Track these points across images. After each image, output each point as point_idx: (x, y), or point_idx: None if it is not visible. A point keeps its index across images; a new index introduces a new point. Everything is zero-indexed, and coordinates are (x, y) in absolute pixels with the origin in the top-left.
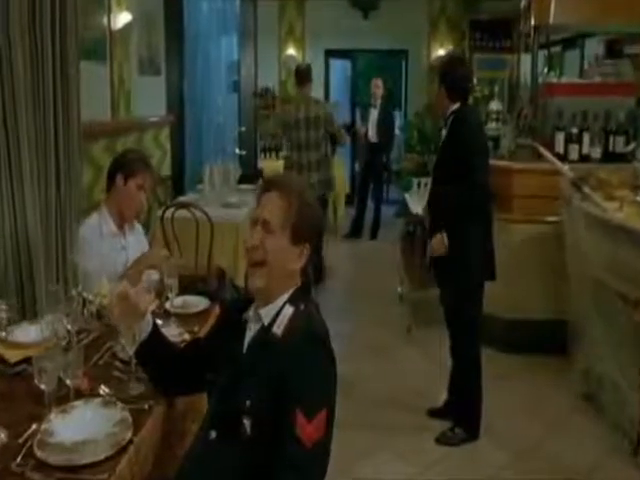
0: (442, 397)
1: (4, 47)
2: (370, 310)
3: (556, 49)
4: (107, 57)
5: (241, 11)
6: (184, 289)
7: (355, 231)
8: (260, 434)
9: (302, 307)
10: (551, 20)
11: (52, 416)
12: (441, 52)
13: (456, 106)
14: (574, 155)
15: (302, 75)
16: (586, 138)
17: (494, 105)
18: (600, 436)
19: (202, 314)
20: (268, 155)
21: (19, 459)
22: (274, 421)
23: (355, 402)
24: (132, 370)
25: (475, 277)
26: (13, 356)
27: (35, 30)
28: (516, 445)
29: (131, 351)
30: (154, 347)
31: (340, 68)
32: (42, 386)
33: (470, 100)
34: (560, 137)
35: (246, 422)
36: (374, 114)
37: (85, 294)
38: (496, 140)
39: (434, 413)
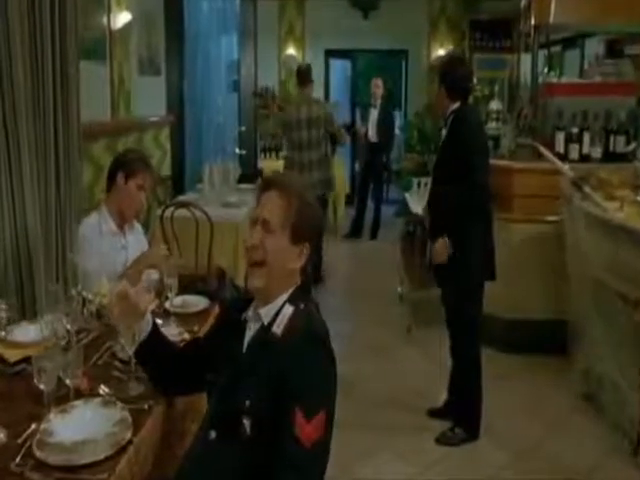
0: (442, 397)
1: (4, 47)
2: (370, 310)
3: (556, 49)
4: (107, 57)
5: (241, 11)
6: (184, 289)
7: (355, 231)
8: (260, 434)
9: (302, 306)
10: (551, 20)
11: (51, 416)
12: (441, 52)
13: (456, 106)
14: (574, 155)
15: (303, 75)
16: (586, 138)
17: (494, 105)
18: (600, 436)
19: (202, 314)
20: (268, 155)
21: (18, 459)
22: (274, 421)
23: (355, 402)
24: (132, 370)
25: (475, 277)
26: (12, 356)
27: (35, 30)
28: (516, 445)
29: (131, 351)
30: (154, 347)
31: (340, 68)
32: (41, 386)
33: (470, 100)
34: (560, 137)
35: (246, 422)
36: (374, 114)
37: (85, 294)
38: (496, 140)
39: (434, 413)
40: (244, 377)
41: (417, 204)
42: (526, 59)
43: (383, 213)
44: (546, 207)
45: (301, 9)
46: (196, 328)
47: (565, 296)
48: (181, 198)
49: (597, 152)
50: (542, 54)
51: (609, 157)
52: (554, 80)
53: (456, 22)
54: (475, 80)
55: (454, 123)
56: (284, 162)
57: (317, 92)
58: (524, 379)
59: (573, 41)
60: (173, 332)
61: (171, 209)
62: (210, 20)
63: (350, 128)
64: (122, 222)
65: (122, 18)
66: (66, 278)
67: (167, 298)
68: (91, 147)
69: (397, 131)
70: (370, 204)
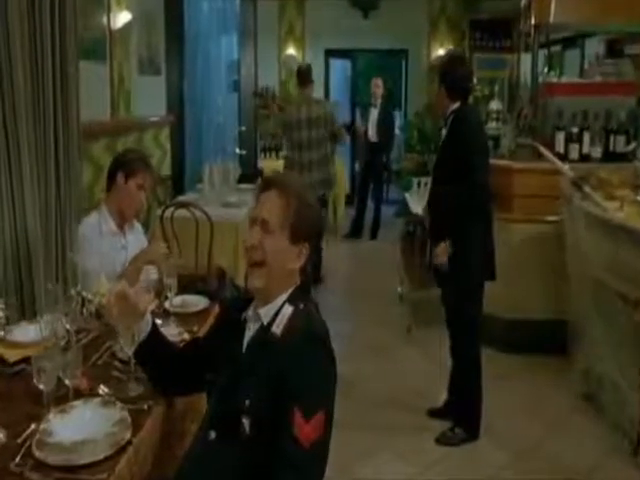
0: (442, 397)
1: (3, 47)
2: (370, 310)
3: (556, 48)
4: (107, 57)
5: (241, 11)
6: (183, 288)
7: (355, 231)
8: (259, 434)
9: (301, 306)
10: (551, 19)
11: (51, 416)
12: (441, 52)
13: (456, 105)
14: (574, 154)
15: (304, 76)
16: (586, 137)
17: (494, 105)
18: (600, 436)
19: (201, 313)
20: (268, 155)
21: (18, 459)
22: (273, 421)
23: (355, 402)
24: (131, 370)
25: (475, 277)
26: (12, 356)
27: (34, 30)
28: (516, 445)
29: (130, 351)
30: (153, 347)
31: (340, 68)
32: (41, 386)
33: (470, 100)
34: (560, 136)
35: (245, 422)
36: (374, 114)
37: (84, 293)
38: (496, 139)
39: (434, 413)
40: (244, 377)
41: (417, 204)
42: (526, 59)
43: (383, 213)
44: (546, 207)
45: (301, 9)
46: (196, 328)
47: (565, 296)
48: (181, 198)
49: (597, 152)
50: (542, 54)
51: (609, 157)
52: (554, 80)
53: (456, 22)
54: (475, 80)
55: (454, 123)
56: (284, 162)
57: (317, 92)
58: (524, 379)
59: (573, 41)
60: (173, 332)
61: (171, 209)
62: (210, 20)
63: (350, 128)
64: (122, 222)
65: (122, 18)
66: (66, 278)
67: (167, 298)
68: (91, 147)
69: (397, 131)
70: (370, 204)
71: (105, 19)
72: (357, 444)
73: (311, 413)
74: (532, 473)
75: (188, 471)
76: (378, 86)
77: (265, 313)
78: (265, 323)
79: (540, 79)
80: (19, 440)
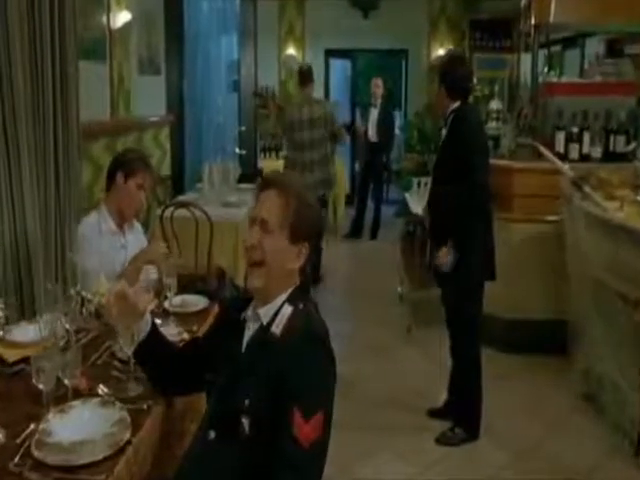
0: (442, 397)
1: (3, 46)
2: (370, 310)
3: (556, 48)
4: (107, 56)
5: (241, 10)
6: (183, 288)
7: (355, 231)
8: (259, 434)
9: (301, 306)
10: (551, 19)
11: (50, 416)
12: (441, 52)
13: (456, 105)
14: (574, 154)
15: (304, 76)
16: (586, 137)
17: (494, 104)
18: (600, 436)
19: (201, 313)
20: (268, 155)
21: (17, 459)
22: (272, 421)
23: (355, 402)
24: (131, 370)
25: (475, 276)
26: (11, 356)
27: (34, 30)
28: (516, 445)
29: (129, 351)
30: (153, 347)
31: (340, 68)
32: (40, 386)
33: (470, 99)
34: (560, 136)
35: (245, 421)
36: (374, 114)
37: (84, 293)
38: (496, 139)
39: (434, 413)
40: (243, 377)
41: (417, 204)
42: (526, 59)
43: (383, 213)
44: (546, 207)
45: (301, 9)
46: (195, 328)
47: (565, 296)
48: (181, 198)
49: (597, 152)
50: (542, 54)
51: (609, 157)
52: (554, 80)
53: (456, 22)
54: (475, 80)
55: (454, 123)
56: (284, 162)
57: (317, 92)
58: (524, 379)
59: (573, 41)
60: (172, 332)
61: (171, 209)
62: (210, 20)
63: (350, 128)
64: (122, 221)
65: (122, 18)
66: (65, 278)
67: (166, 298)
68: (91, 147)
69: (397, 131)
70: (370, 204)
71: (105, 19)
72: (357, 444)
73: (310, 413)
74: (532, 473)
75: (188, 471)
76: (378, 86)
77: (265, 313)
78: (264, 323)
79: (540, 79)
80: (18, 440)
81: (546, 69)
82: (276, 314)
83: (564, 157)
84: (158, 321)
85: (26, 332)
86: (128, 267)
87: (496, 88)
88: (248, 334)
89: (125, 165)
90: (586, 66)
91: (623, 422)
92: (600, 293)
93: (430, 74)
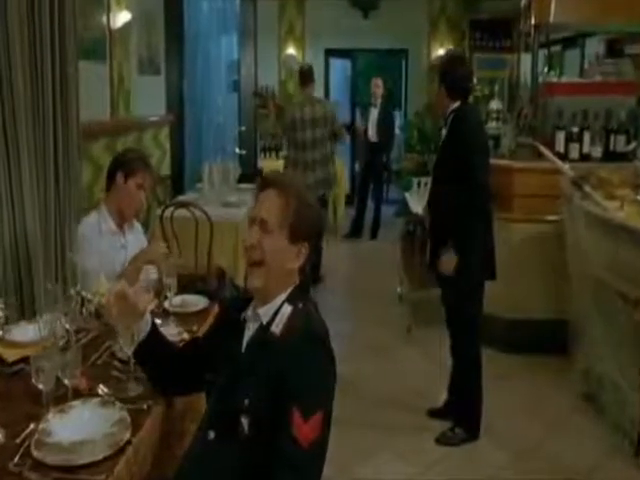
0: (442, 397)
1: (3, 47)
2: (370, 310)
3: (556, 48)
4: (107, 56)
5: (241, 10)
6: (183, 288)
7: (355, 231)
8: (258, 433)
9: (300, 306)
10: (551, 19)
11: (50, 416)
12: (441, 52)
13: (456, 105)
14: (575, 154)
15: (305, 75)
16: (587, 137)
17: (494, 104)
18: (600, 436)
19: (201, 313)
20: (268, 155)
21: (16, 459)
22: (272, 420)
23: (355, 402)
24: (131, 370)
25: (475, 276)
26: (11, 355)
27: (34, 30)
28: (516, 445)
29: (129, 351)
30: (153, 347)
31: (340, 68)
32: (40, 386)
33: (470, 99)
34: (560, 136)
35: (244, 421)
36: (374, 113)
37: (84, 293)
38: (496, 139)
39: (434, 413)
40: (243, 377)
41: (417, 204)
42: (526, 59)
43: (383, 213)
44: (546, 206)
45: (301, 9)
46: (195, 328)
47: (565, 296)
48: (181, 198)
49: (597, 151)
50: (542, 54)
51: (609, 156)
52: (554, 80)
53: (456, 22)
54: (475, 80)
55: (454, 122)
56: (284, 162)
57: (317, 92)
58: (524, 379)
59: (573, 41)
60: (172, 332)
61: (171, 209)
62: (210, 20)
63: (350, 128)
64: (121, 221)
65: (122, 18)
66: (65, 277)
67: (166, 298)
68: (90, 146)
69: (397, 131)
70: (370, 204)
71: (105, 19)
72: (357, 444)
73: (310, 413)
74: (532, 473)
75: (188, 471)
76: (378, 86)
77: (264, 313)
78: (264, 322)
79: (540, 79)
80: (18, 440)
81: (546, 69)
82: (276, 314)
83: (564, 157)
84: (158, 321)
85: (26, 332)
86: (128, 267)
87: (496, 88)
88: (248, 334)
89: (125, 165)
90: (586, 66)
91: (623, 422)
92: (600, 293)
93: (430, 74)
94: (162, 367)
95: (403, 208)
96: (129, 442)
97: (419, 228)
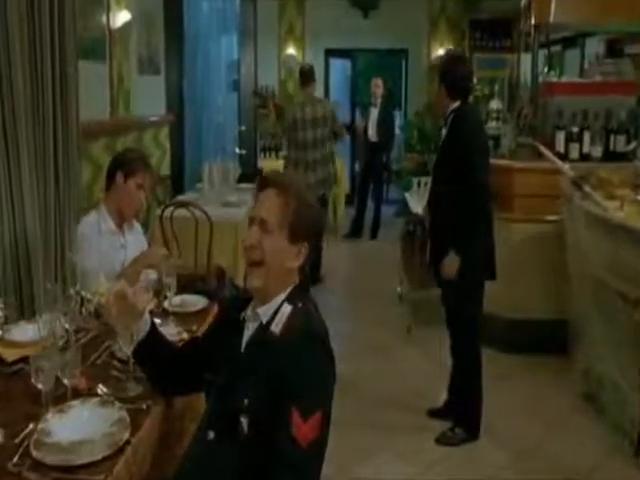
0: (442, 397)
1: (3, 47)
2: (370, 310)
3: (556, 48)
4: (106, 56)
5: (241, 10)
6: (183, 288)
7: (355, 231)
8: (257, 433)
9: (300, 305)
10: (551, 19)
11: (49, 416)
12: (441, 52)
13: (456, 105)
14: (575, 154)
15: (306, 75)
16: (587, 137)
17: (494, 104)
18: (600, 436)
19: (200, 313)
20: (268, 154)
21: (16, 459)
22: (271, 420)
23: (355, 402)
24: (130, 370)
25: (475, 276)
26: (10, 355)
27: (34, 30)
28: (516, 445)
29: (129, 351)
30: (152, 346)
31: (340, 67)
32: (39, 385)
33: (470, 99)
34: (561, 136)
35: (244, 421)
36: (374, 113)
37: (83, 293)
38: (496, 139)
39: (434, 413)
40: (242, 376)
41: (417, 204)
42: (526, 59)
43: (383, 213)
44: (546, 206)
45: (301, 9)
46: (195, 327)
47: (565, 296)
48: (180, 198)
49: (597, 151)
50: (542, 53)
51: (609, 156)
52: (554, 79)
53: (456, 21)
54: (475, 80)
55: (454, 122)
56: (285, 161)
57: (317, 92)
58: (524, 379)
59: (573, 40)
60: (172, 332)
61: (170, 209)
62: (210, 20)
63: (350, 127)
64: (121, 221)
65: (121, 17)
66: (65, 277)
67: (166, 297)
68: (90, 146)
69: (397, 131)
70: (370, 204)
71: (105, 19)
72: (357, 444)
73: (309, 413)
74: (532, 473)
75: (187, 471)
76: (378, 86)
77: (264, 312)
78: (264, 322)
79: (540, 79)
80: (17, 440)
81: (546, 69)
82: (275, 313)
83: (564, 157)
84: (157, 321)
85: (25, 332)
86: (128, 269)
87: (496, 88)
88: (247, 334)
89: (125, 165)
90: (586, 66)
91: (623, 422)
92: (600, 293)
93: (430, 74)
94: (161, 367)
95: (403, 208)
96: (128, 442)
97: (419, 228)
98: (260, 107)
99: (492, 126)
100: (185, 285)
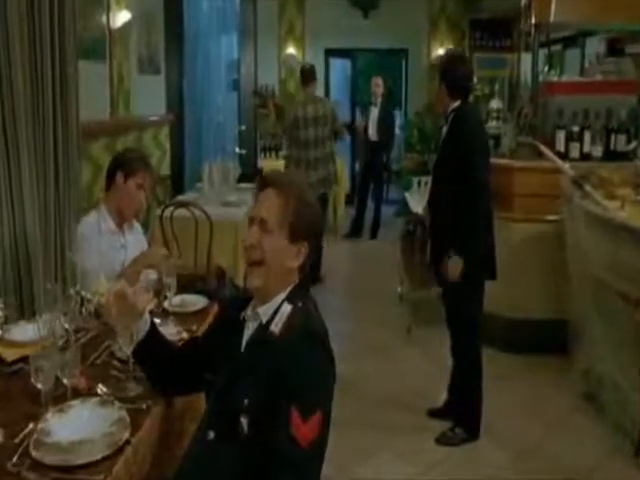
0: (442, 397)
1: (3, 47)
2: (370, 310)
3: (556, 48)
4: (106, 56)
5: (241, 10)
6: (183, 288)
7: (355, 231)
8: (257, 433)
9: (300, 305)
10: (552, 18)
11: (49, 415)
12: (441, 51)
13: (456, 104)
14: (575, 153)
15: (307, 75)
16: (587, 136)
17: (495, 104)
18: (600, 436)
19: (200, 313)
20: (268, 154)
21: (15, 459)
22: (271, 420)
23: (355, 402)
24: (130, 369)
25: (475, 276)
26: (10, 355)
27: (34, 30)
28: (516, 445)
29: (128, 351)
30: (152, 346)
31: (340, 67)
32: (39, 385)
33: (471, 99)
34: (561, 135)
35: (243, 421)
36: (374, 113)
37: (83, 293)
38: (497, 138)
39: (434, 413)
40: (242, 376)
41: (417, 203)
42: (526, 58)
43: (383, 213)
44: (546, 206)
45: (301, 8)
46: (195, 327)
47: (566, 295)
48: (180, 197)
49: (598, 151)
50: (542, 53)
51: (610, 156)
52: (554, 79)
53: (456, 21)
54: (475, 79)
55: (454, 122)
56: (285, 161)
57: (317, 91)
58: (524, 379)
59: (574, 40)
60: (171, 331)
61: (170, 208)
62: (210, 19)
63: (350, 126)
64: (121, 221)
65: (121, 17)
66: (65, 277)
67: (166, 297)
68: (90, 146)
69: (397, 130)
70: (370, 204)
71: (105, 18)
72: (357, 444)
73: (309, 413)
74: (532, 473)
75: (187, 471)
76: (378, 85)
77: (264, 312)
78: (264, 322)
79: (540, 78)
80: (17, 440)
81: (546, 68)
82: (275, 313)
83: (565, 156)
84: (157, 321)
85: (25, 331)
86: (128, 270)
87: (496, 87)
88: (247, 333)
89: (125, 165)
90: (587, 65)
91: (624, 422)
92: (600, 292)
93: (430, 73)
94: (161, 367)
95: (403, 208)
96: (128, 442)
97: (419, 228)
98: (260, 107)
99: (492, 125)
100: (185, 285)
